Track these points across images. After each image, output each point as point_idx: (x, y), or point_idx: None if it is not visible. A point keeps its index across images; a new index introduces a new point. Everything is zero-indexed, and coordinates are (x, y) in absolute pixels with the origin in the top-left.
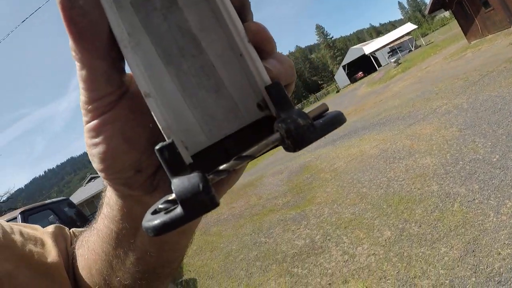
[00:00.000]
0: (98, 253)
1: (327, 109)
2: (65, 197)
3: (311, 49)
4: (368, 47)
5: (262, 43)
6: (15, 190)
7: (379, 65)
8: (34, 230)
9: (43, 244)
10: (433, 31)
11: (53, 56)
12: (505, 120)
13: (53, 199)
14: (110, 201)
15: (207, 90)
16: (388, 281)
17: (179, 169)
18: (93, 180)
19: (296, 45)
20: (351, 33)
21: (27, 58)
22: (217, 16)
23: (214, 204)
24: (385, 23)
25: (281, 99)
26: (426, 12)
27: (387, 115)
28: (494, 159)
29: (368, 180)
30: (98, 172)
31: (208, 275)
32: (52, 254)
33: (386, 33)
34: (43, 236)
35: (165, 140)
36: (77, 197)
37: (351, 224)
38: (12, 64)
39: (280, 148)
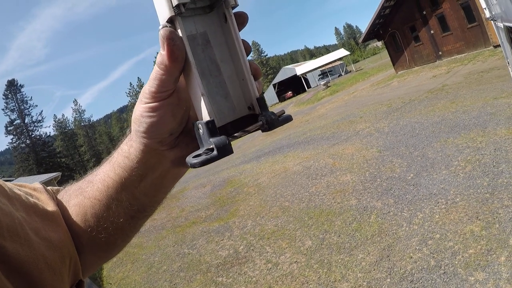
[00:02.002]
0: (99, 198)
1: (284, 112)
2: None
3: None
4: (300, 68)
5: (256, 75)
6: None
7: (309, 87)
8: (24, 187)
9: (38, 198)
10: (364, 58)
11: None
12: (421, 144)
13: None
14: (131, 155)
15: (221, 96)
16: (310, 286)
17: (214, 133)
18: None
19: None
20: (286, 52)
21: None
22: (231, 54)
23: (232, 151)
24: (320, 47)
25: (263, 104)
26: (360, 40)
27: (312, 135)
28: (409, 177)
29: (291, 195)
30: (140, 134)
31: (130, 287)
32: (50, 204)
33: (320, 56)
34: (35, 193)
35: (196, 118)
36: None
37: (274, 235)
38: None
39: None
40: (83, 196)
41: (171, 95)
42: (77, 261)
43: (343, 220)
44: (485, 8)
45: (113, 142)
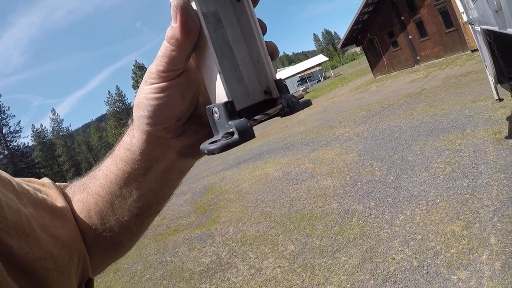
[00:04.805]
0: (101, 195)
1: (303, 96)
2: None
3: None
4: (279, 74)
5: (273, 54)
6: None
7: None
8: (32, 182)
9: (47, 194)
10: (343, 64)
11: None
12: (401, 147)
13: None
14: (132, 147)
15: (234, 80)
16: None
17: (233, 116)
18: None
19: None
20: None
21: None
22: (243, 35)
23: (254, 135)
24: (298, 53)
25: (282, 87)
26: (339, 46)
27: (292, 141)
28: (389, 180)
29: (272, 200)
30: (144, 120)
31: None
32: (59, 200)
33: (298, 62)
34: (44, 188)
35: (205, 104)
36: None
37: (256, 240)
38: None
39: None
40: (86, 192)
41: (181, 75)
42: (86, 258)
43: (325, 224)
44: (463, 12)
45: (92, 152)
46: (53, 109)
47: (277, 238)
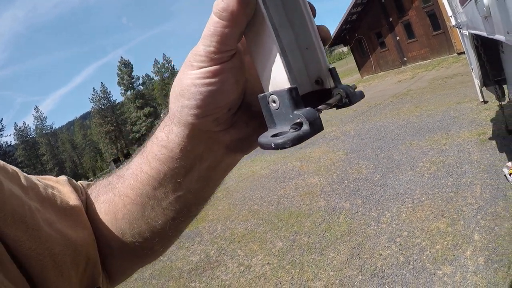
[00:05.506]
0: (130, 196)
1: (356, 87)
2: None
3: None
4: None
5: (326, 41)
6: None
7: None
8: (47, 180)
9: (59, 191)
10: (330, 63)
11: None
12: (387, 146)
13: None
14: (170, 143)
15: None
16: (284, 286)
17: (299, 104)
18: None
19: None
20: None
21: None
22: (288, 19)
23: (323, 127)
24: None
25: (337, 77)
26: (327, 45)
27: None
28: (376, 178)
29: (260, 198)
30: (190, 112)
31: None
32: (72, 198)
33: None
34: (57, 185)
35: (254, 90)
36: None
37: (245, 238)
38: None
39: None
40: (113, 193)
41: (234, 56)
42: (96, 264)
43: (313, 221)
44: (451, 16)
45: (76, 150)
46: (36, 106)
47: (265, 235)
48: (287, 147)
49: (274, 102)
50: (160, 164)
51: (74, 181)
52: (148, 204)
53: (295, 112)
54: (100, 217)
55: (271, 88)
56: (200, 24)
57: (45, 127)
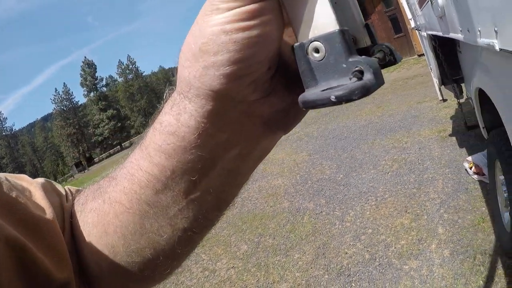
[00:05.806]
0: (124, 203)
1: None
2: None
3: (173, 72)
4: None
5: None
6: None
7: None
8: (20, 180)
9: (31, 195)
10: None
11: None
12: (350, 146)
13: None
14: (181, 128)
15: None
16: None
17: (353, 50)
18: None
19: (160, 66)
20: None
21: None
22: None
23: (384, 81)
24: None
25: (373, 34)
26: None
27: None
28: (339, 178)
29: None
30: (220, 70)
31: None
32: (41, 206)
33: None
34: (31, 187)
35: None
36: None
37: (209, 242)
38: None
39: None
40: (102, 199)
41: None
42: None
43: (277, 222)
44: (411, 19)
45: (37, 154)
46: None
47: (229, 238)
48: (355, 99)
49: (317, 51)
50: (166, 158)
51: (57, 185)
52: (149, 213)
53: (350, 59)
54: (88, 230)
55: (311, 34)
56: (167, 24)
57: (5, 128)
